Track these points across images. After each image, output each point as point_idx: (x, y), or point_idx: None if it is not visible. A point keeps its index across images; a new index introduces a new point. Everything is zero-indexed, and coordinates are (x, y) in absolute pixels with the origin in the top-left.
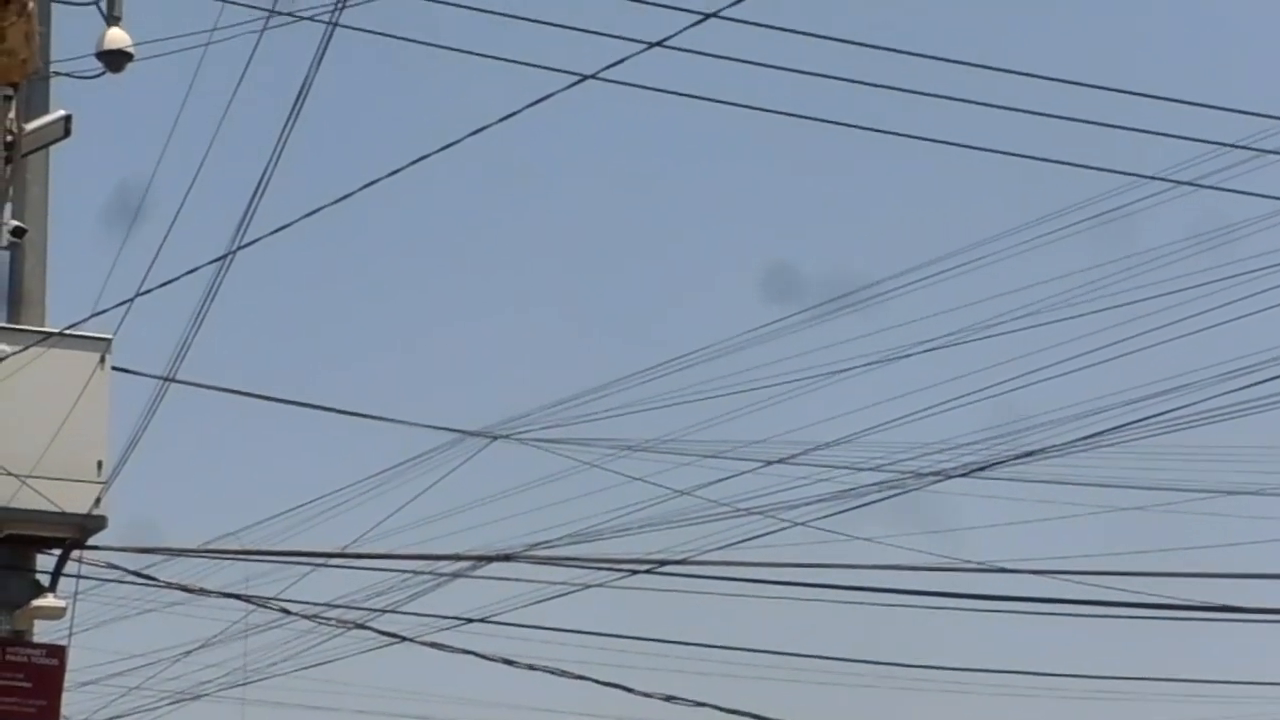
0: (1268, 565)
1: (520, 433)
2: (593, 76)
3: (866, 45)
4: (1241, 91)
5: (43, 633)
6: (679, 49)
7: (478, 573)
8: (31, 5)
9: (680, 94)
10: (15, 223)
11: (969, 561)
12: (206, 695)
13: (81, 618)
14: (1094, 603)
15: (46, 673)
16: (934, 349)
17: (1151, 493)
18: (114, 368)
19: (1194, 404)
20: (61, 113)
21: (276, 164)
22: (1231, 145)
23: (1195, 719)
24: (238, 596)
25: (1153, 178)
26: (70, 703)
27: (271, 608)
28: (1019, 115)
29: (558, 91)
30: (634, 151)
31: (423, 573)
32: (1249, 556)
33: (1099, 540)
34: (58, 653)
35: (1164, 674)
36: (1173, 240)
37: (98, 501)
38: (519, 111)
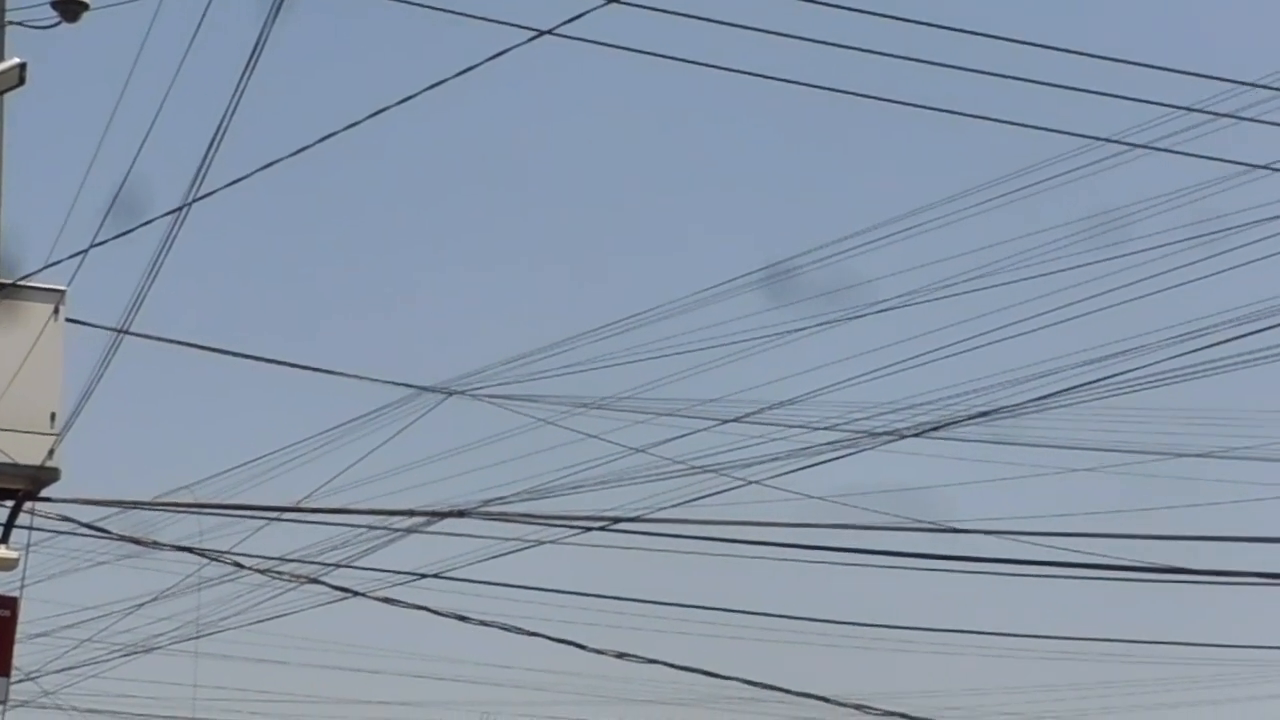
0: (1221, 527)
1: (475, 389)
2: (549, 32)
3: (823, 3)
4: (1201, 55)
5: None
6: (634, 4)
7: (431, 528)
8: None
9: (639, 51)
10: None
11: (921, 521)
12: (159, 648)
13: (34, 570)
14: (1046, 563)
15: None
16: (890, 309)
17: (1106, 454)
18: (68, 319)
19: (1150, 365)
20: (16, 61)
21: (233, 117)
22: (1187, 109)
23: (1149, 678)
24: (190, 550)
25: (1109, 140)
26: (22, 654)
27: (225, 562)
28: (977, 76)
29: (515, 46)
30: (592, 109)
31: (376, 528)
32: (1203, 518)
33: (1054, 500)
34: (9, 604)
35: (1114, 634)
36: (1132, 201)
37: (51, 453)
38: (477, 65)
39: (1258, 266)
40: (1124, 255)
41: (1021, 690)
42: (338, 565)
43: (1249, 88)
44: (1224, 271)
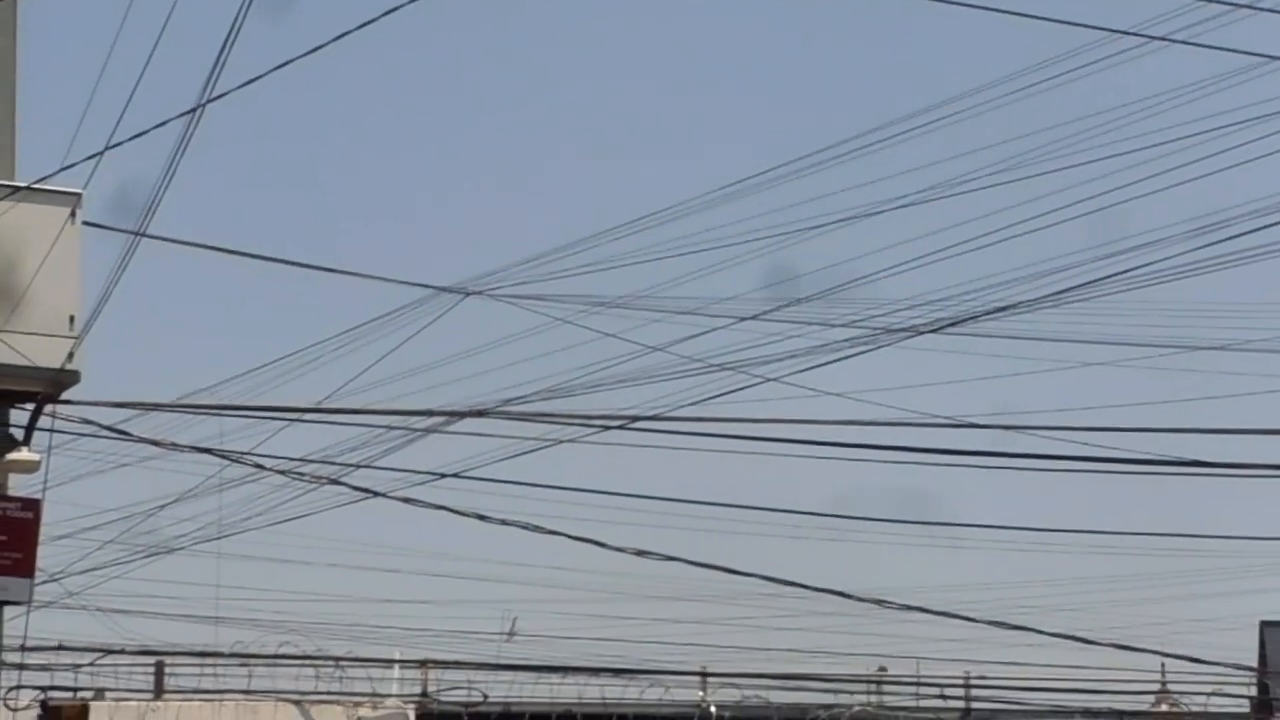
0: (1239, 420)
1: (493, 289)
2: None
3: None
4: None
5: (17, 486)
6: None
7: (451, 428)
8: None
9: None
10: None
11: (938, 417)
12: (181, 549)
13: (56, 472)
14: (1064, 457)
15: (22, 525)
16: (906, 205)
17: (1120, 348)
18: (85, 222)
19: (1164, 260)
20: None
21: (247, 13)
22: (1206, 0)
23: (1166, 571)
24: (211, 451)
25: (1127, 33)
26: (45, 555)
27: (245, 463)
28: None
29: None
30: (612, 10)
31: (396, 428)
32: (1222, 411)
33: (1069, 395)
34: (32, 506)
35: (1134, 528)
36: (1145, 96)
37: (70, 356)
38: None
39: (1273, 160)
40: (1139, 150)
41: (1038, 584)
42: (358, 465)
43: None
44: (1240, 165)
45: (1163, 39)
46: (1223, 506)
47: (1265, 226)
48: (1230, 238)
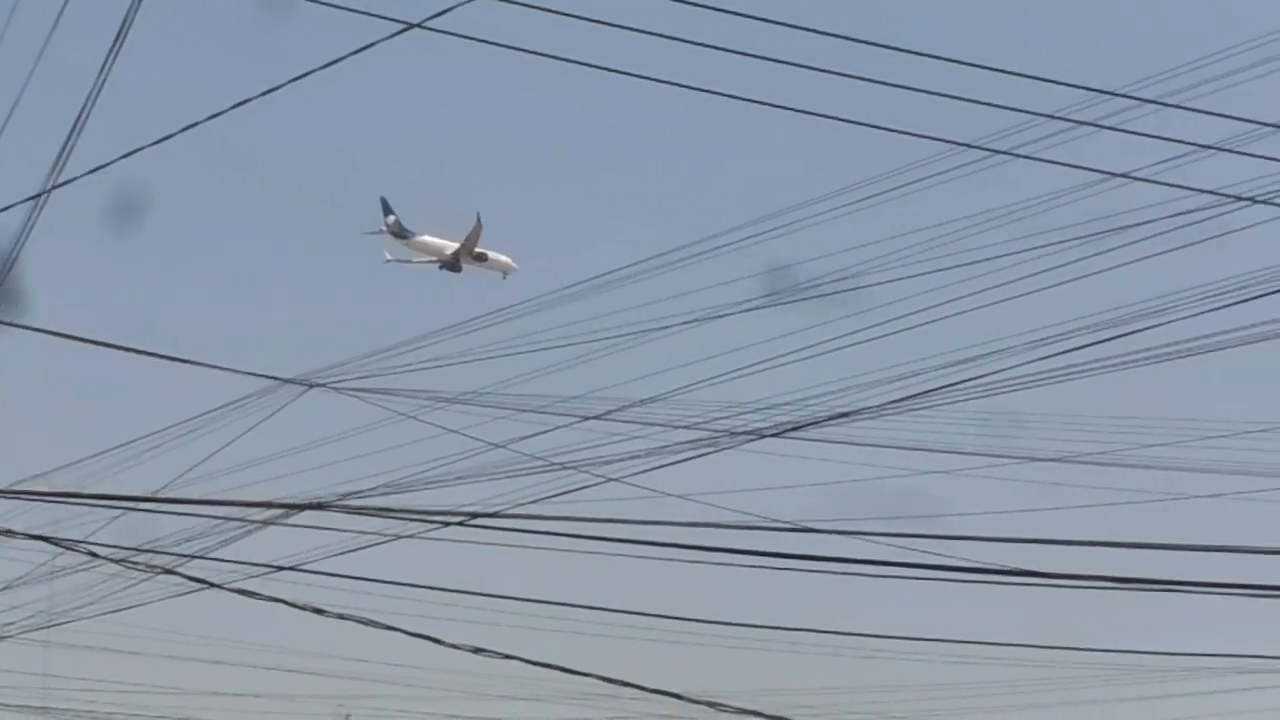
0: (1073, 531)
1: (336, 381)
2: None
3: None
4: (1063, 62)
5: None
6: None
7: (289, 520)
8: None
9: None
10: None
11: (778, 520)
12: (9, 637)
13: None
14: (895, 564)
15: None
16: (753, 309)
17: (960, 457)
18: None
19: (1007, 369)
20: None
21: (94, 105)
22: (1049, 115)
23: (1003, 680)
24: (44, 539)
25: (970, 145)
26: None
27: (79, 550)
28: (837, 79)
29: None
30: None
31: (234, 519)
32: (1057, 522)
33: (907, 502)
34: None
35: (970, 636)
36: (987, 209)
37: None
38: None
39: (1118, 273)
40: (981, 260)
41: (875, 690)
42: (194, 556)
43: (1109, 96)
44: (1084, 277)
45: (1006, 153)
46: (1057, 617)
47: (1103, 340)
48: (1069, 350)
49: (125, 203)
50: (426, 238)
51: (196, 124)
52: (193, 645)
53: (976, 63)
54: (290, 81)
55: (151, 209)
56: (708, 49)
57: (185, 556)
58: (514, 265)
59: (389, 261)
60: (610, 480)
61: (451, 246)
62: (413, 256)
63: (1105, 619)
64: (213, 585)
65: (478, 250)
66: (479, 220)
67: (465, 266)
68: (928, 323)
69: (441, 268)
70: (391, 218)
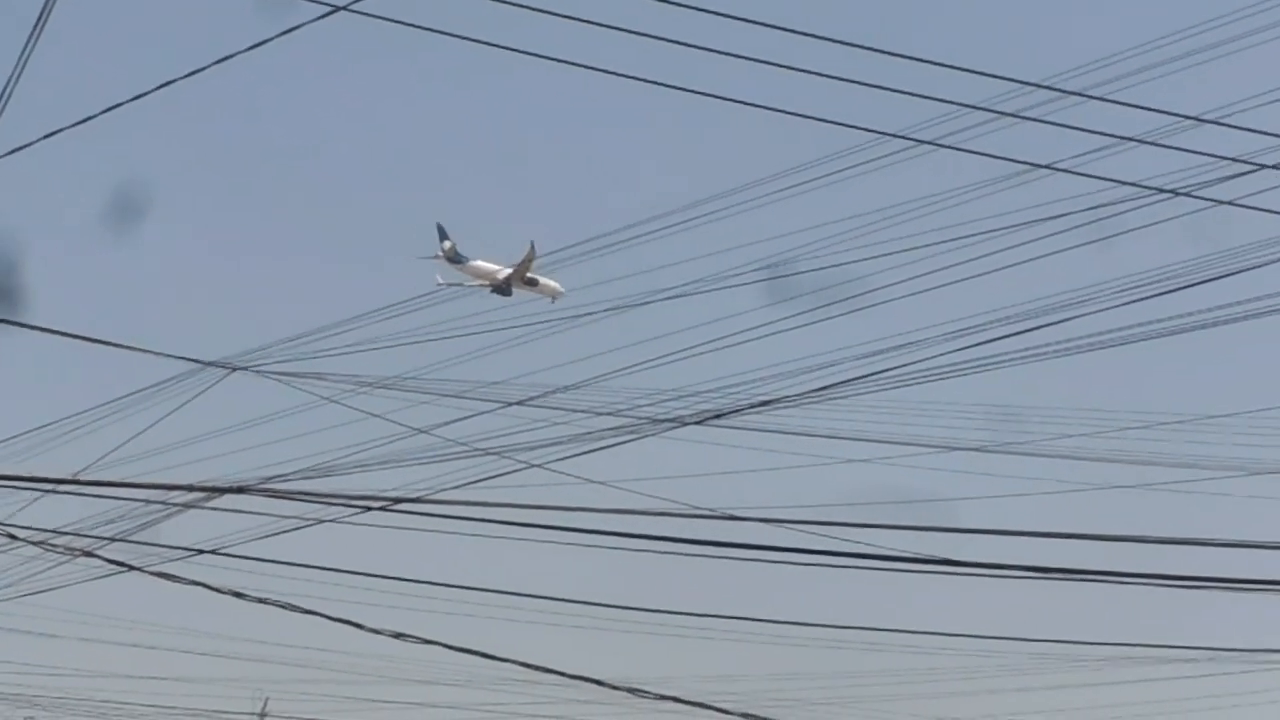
0: (990, 521)
1: (259, 365)
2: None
3: None
4: (986, 55)
5: None
6: None
7: (210, 504)
8: None
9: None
10: None
11: (699, 508)
12: None
13: None
14: (817, 552)
15: None
16: (672, 298)
17: (878, 445)
18: None
19: (922, 360)
20: None
21: (17, 83)
22: (972, 106)
23: (903, 668)
24: None
25: (895, 135)
26: None
27: None
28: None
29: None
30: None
31: (154, 502)
32: (974, 512)
33: (826, 490)
34: None
35: (889, 624)
36: (908, 199)
37: None
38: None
39: (1031, 266)
40: (902, 251)
41: (804, 678)
42: (114, 539)
43: (1032, 88)
44: (995, 271)
45: (930, 143)
46: (973, 606)
47: (1020, 332)
48: (985, 341)
49: (50, 179)
50: (480, 263)
51: (120, 104)
52: (112, 628)
53: (900, 52)
54: (217, 62)
55: (76, 183)
56: (643, 37)
57: (105, 539)
58: (562, 290)
59: (440, 285)
60: (532, 466)
61: (504, 272)
62: (465, 280)
63: (1024, 609)
64: (133, 568)
65: (529, 275)
66: (532, 247)
67: (515, 290)
68: (851, 312)
69: (493, 291)
70: (447, 243)
